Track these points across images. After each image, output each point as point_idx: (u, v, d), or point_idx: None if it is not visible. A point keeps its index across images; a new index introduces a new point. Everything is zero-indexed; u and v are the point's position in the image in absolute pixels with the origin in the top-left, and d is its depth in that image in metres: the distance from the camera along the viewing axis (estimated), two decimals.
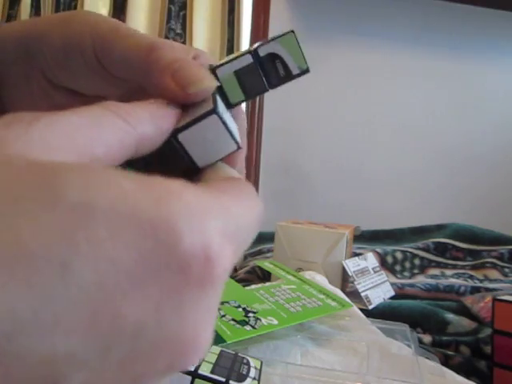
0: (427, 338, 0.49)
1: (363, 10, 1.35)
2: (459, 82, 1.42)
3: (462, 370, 0.43)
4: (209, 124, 0.16)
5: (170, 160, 0.17)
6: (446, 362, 0.45)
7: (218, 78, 0.19)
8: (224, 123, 0.17)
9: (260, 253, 0.83)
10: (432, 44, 1.39)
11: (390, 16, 1.36)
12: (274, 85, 0.19)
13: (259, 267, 0.67)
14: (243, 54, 0.18)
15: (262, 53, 0.18)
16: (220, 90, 0.19)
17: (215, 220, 0.12)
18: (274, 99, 1.29)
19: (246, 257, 0.83)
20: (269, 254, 0.79)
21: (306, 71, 0.19)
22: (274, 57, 0.18)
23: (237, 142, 0.17)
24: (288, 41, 0.18)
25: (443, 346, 0.48)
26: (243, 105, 0.21)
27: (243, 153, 0.21)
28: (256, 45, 0.19)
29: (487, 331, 0.48)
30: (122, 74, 0.21)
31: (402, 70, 1.39)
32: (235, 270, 0.77)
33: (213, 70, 0.19)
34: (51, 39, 0.22)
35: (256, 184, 1.27)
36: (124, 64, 0.20)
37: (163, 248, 0.11)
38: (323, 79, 1.37)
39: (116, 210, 0.11)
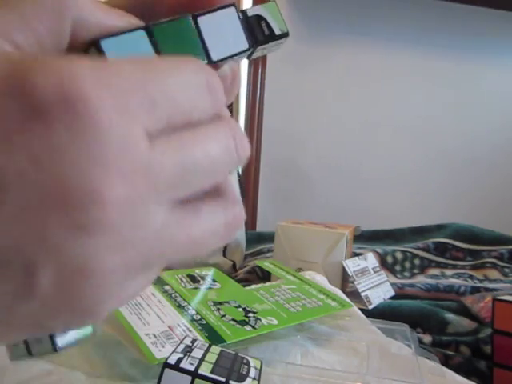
0: (427, 338, 0.49)
1: (363, 10, 1.35)
2: (459, 82, 1.42)
3: (462, 369, 0.43)
4: (227, 14, 0.18)
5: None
6: (446, 362, 0.45)
7: None
8: (240, 19, 0.19)
9: (260, 253, 0.83)
10: (432, 44, 1.39)
11: (390, 16, 1.36)
12: (260, 41, 0.21)
13: (259, 267, 0.67)
14: None
15: (249, 13, 0.21)
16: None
17: (81, 71, 0.12)
18: (274, 99, 1.29)
19: (246, 257, 0.83)
20: (269, 254, 0.79)
21: (286, 34, 0.21)
22: (259, 18, 0.21)
23: (249, 42, 0.19)
24: (271, 7, 0.21)
25: (443, 346, 0.48)
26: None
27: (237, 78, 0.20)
28: (244, 8, 0.22)
29: (487, 331, 0.48)
30: None
31: (401, 69, 1.39)
32: (235, 269, 0.77)
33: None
34: None
35: (256, 184, 1.27)
36: None
37: (19, 99, 0.11)
38: (323, 79, 1.37)
39: None
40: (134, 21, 0.17)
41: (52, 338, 0.18)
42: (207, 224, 0.16)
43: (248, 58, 0.21)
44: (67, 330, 0.16)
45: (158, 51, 0.17)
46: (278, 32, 0.21)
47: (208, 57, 0.18)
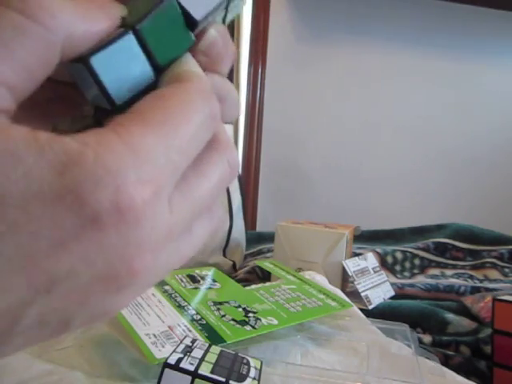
0: (427, 338, 0.49)
1: (363, 10, 1.35)
2: (459, 82, 1.42)
3: (462, 370, 0.43)
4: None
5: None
6: (446, 362, 0.45)
7: None
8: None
9: (260, 253, 0.83)
10: (432, 44, 1.39)
11: (390, 16, 1.36)
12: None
13: (259, 267, 0.67)
14: None
15: None
16: None
17: (124, 173, 0.13)
18: (274, 99, 1.29)
19: (246, 257, 0.83)
20: (269, 254, 0.79)
21: None
22: None
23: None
24: None
25: (443, 346, 0.48)
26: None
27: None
28: None
29: (487, 331, 0.48)
30: None
31: (401, 69, 1.39)
32: (235, 269, 0.77)
33: None
34: None
35: (256, 184, 1.27)
36: None
37: (74, 212, 0.13)
38: (323, 79, 1.37)
39: (25, 191, 0.12)
40: (113, 8, 0.16)
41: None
42: (198, 240, 0.18)
43: (223, 20, 0.20)
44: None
45: (148, 51, 0.17)
46: None
47: (191, 20, 0.17)
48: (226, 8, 0.20)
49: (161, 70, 0.17)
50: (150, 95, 0.16)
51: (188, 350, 0.25)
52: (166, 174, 0.14)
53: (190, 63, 0.18)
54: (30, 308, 0.13)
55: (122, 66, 0.16)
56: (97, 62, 0.15)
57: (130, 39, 0.16)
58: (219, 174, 0.17)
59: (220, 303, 0.40)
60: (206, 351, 0.26)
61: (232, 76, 1.20)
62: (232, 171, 0.18)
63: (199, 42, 0.18)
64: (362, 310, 0.47)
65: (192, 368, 0.23)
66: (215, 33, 0.19)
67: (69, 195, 0.13)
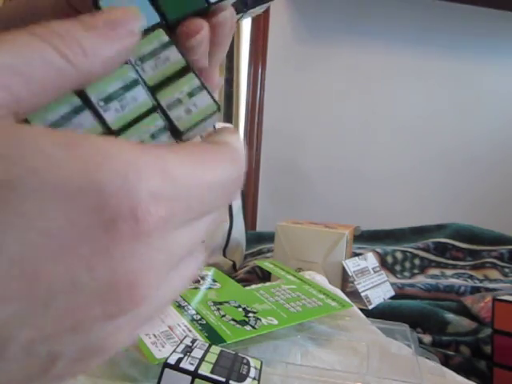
0: (427, 338, 0.49)
1: (363, 10, 1.35)
2: (459, 82, 1.42)
3: (462, 369, 0.43)
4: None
5: None
6: (446, 362, 0.45)
7: None
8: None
9: (260, 253, 0.83)
10: (432, 44, 1.39)
11: (390, 16, 1.36)
12: (249, 5, 0.22)
13: (259, 267, 0.67)
14: None
15: None
16: None
17: (147, 182, 0.12)
18: (274, 99, 1.29)
19: (246, 257, 0.83)
20: (269, 254, 0.79)
21: None
22: None
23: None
24: None
25: (443, 346, 0.48)
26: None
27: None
28: None
29: (487, 331, 0.48)
30: None
31: (402, 69, 1.39)
32: (235, 269, 0.77)
33: None
34: None
35: (256, 184, 1.27)
36: None
37: (91, 213, 0.12)
38: (323, 79, 1.37)
39: (42, 181, 0.11)
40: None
41: None
42: (186, 279, 0.17)
43: (242, 16, 0.22)
44: None
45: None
46: None
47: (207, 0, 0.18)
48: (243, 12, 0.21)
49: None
50: (190, 143, 0.16)
51: (188, 350, 0.25)
52: (182, 205, 0.14)
53: (228, 135, 0.18)
54: (21, 328, 0.12)
55: None
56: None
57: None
58: (216, 225, 0.17)
59: (220, 303, 0.40)
60: (206, 351, 0.26)
61: (232, 76, 1.20)
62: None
63: (215, 17, 0.19)
64: (362, 309, 0.47)
65: (192, 368, 0.23)
66: (229, 14, 0.19)
67: (92, 195, 0.12)
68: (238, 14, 0.22)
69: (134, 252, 0.13)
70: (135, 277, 0.13)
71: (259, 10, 0.22)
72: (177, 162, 0.14)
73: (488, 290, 0.64)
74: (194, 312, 0.38)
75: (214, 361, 0.25)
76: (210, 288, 0.44)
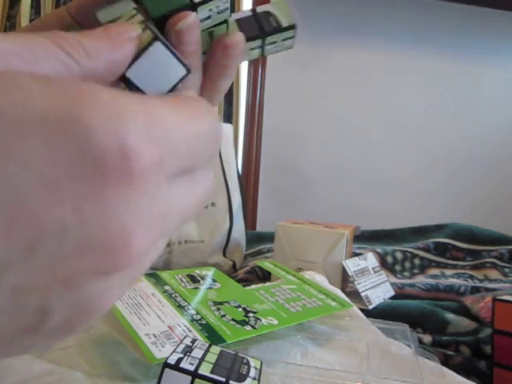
0: (427, 338, 0.49)
1: (363, 10, 1.35)
2: (459, 81, 1.42)
3: (462, 369, 0.43)
4: (154, 51, 0.17)
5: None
6: (446, 362, 0.45)
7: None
8: (168, 48, 0.18)
9: (260, 253, 0.83)
10: (432, 44, 1.39)
11: (390, 16, 1.36)
12: (268, 32, 0.23)
13: (259, 267, 0.67)
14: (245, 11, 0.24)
15: (259, 10, 0.23)
16: None
17: (134, 122, 0.12)
18: (273, 99, 1.29)
19: (246, 257, 0.83)
20: (269, 254, 0.79)
21: (293, 26, 0.24)
22: (268, 14, 0.23)
23: (185, 66, 0.18)
24: (279, 4, 0.23)
25: (443, 346, 0.48)
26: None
27: (197, 79, 0.21)
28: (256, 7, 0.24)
29: (487, 331, 0.48)
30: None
31: (401, 69, 1.39)
32: (235, 269, 0.77)
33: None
34: None
35: (256, 184, 1.27)
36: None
37: (75, 146, 0.11)
38: (323, 79, 1.37)
39: (22, 113, 0.11)
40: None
41: None
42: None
43: (262, 55, 0.23)
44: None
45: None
46: (285, 24, 0.23)
47: None
48: (263, 48, 0.23)
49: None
50: (170, 96, 0.16)
51: (188, 350, 0.25)
52: (172, 150, 0.13)
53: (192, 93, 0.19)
54: (7, 272, 0.11)
55: None
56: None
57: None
58: (205, 192, 0.17)
59: (220, 303, 0.40)
60: (206, 351, 0.26)
61: None
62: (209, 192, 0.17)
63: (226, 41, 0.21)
64: (362, 309, 0.47)
65: (192, 368, 0.23)
66: (239, 37, 0.21)
67: (74, 126, 0.11)
68: (254, 39, 0.22)
69: (127, 198, 0.12)
70: (129, 229, 0.12)
71: (284, 41, 0.24)
72: (163, 109, 0.13)
73: (488, 290, 0.64)
74: (193, 312, 0.38)
75: (213, 361, 0.25)
76: (210, 288, 0.44)
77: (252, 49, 0.23)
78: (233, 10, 0.22)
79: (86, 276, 0.12)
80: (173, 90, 0.18)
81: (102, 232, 0.12)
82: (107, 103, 0.12)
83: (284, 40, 0.24)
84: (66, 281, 0.12)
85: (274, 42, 0.23)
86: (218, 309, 0.39)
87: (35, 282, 0.12)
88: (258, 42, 0.23)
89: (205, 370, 0.23)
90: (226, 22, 0.22)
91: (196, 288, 0.44)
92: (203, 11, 0.20)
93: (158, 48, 0.17)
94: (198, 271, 0.48)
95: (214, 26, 0.22)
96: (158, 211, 0.13)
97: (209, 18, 0.21)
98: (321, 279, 0.53)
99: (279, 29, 0.23)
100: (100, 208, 0.12)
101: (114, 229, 0.12)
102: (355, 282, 0.59)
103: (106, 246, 0.12)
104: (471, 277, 0.74)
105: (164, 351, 0.30)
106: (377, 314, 0.53)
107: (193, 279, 0.46)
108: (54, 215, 0.11)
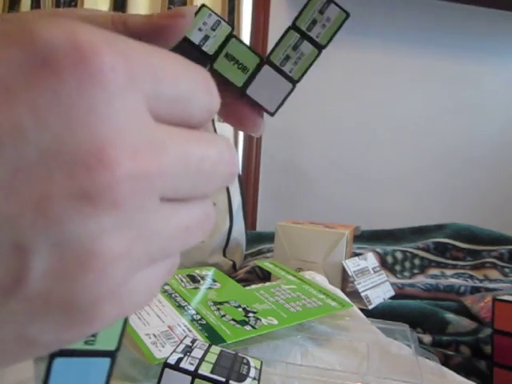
0: (427, 338, 0.49)
1: (363, 10, 1.35)
2: (459, 82, 1.42)
3: (462, 369, 0.43)
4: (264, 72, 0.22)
5: None
6: (446, 362, 0.45)
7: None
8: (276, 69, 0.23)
9: (260, 253, 0.83)
10: (432, 44, 1.39)
11: (391, 16, 1.36)
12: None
13: (259, 267, 0.67)
14: None
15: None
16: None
17: (89, 31, 0.11)
18: None
19: (246, 257, 0.83)
20: (269, 254, 0.79)
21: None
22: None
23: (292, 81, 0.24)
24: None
25: (443, 346, 0.48)
26: None
27: None
28: None
29: (487, 331, 0.48)
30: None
31: (402, 69, 1.39)
32: (235, 269, 0.77)
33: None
34: None
35: (256, 184, 1.27)
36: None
37: (23, 48, 0.10)
38: (323, 79, 1.37)
39: None
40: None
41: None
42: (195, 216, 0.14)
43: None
44: (57, 345, 0.13)
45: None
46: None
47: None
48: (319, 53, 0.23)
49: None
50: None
51: (188, 350, 0.25)
52: (144, 68, 0.12)
53: None
54: None
55: None
56: None
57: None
58: (220, 156, 0.15)
59: (220, 303, 0.40)
60: (206, 351, 0.26)
61: None
62: (233, 164, 0.16)
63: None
64: (362, 309, 0.47)
65: (192, 368, 0.23)
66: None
67: (22, 31, 0.10)
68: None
69: (90, 97, 0.10)
70: (101, 137, 0.10)
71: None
72: (136, 46, 0.12)
73: (488, 290, 0.64)
74: (193, 312, 0.38)
75: (214, 361, 0.25)
76: (210, 288, 0.44)
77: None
78: (232, 22, 0.21)
79: (62, 200, 0.10)
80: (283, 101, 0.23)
81: (67, 138, 0.10)
82: (63, 20, 0.11)
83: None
84: (38, 206, 0.10)
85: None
86: (218, 309, 0.39)
87: (4, 209, 0.10)
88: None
89: (205, 370, 0.23)
90: (232, 37, 0.21)
91: (196, 288, 0.44)
92: (194, 32, 0.20)
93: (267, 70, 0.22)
94: (197, 271, 0.48)
95: (223, 45, 0.21)
96: (144, 136, 0.11)
97: (207, 38, 0.21)
98: (321, 279, 0.53)
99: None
100: (61, 110, 0.10)
101: (82, 134, 0.10)
102: (355, 282, 0.59)
103: (77, 157, 0.10)
104: (471, 277, 0.74)
105: (164, 351, 0.30)
106: (377, 314, 0.53)
107: (193, 279, 0.46)
108: (9, 117, 0.10)
